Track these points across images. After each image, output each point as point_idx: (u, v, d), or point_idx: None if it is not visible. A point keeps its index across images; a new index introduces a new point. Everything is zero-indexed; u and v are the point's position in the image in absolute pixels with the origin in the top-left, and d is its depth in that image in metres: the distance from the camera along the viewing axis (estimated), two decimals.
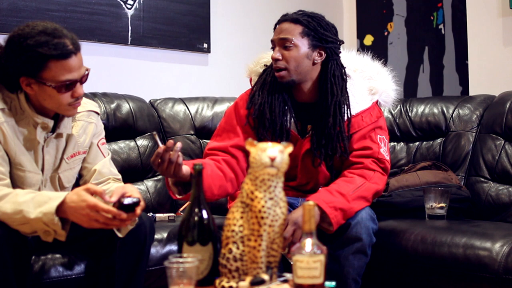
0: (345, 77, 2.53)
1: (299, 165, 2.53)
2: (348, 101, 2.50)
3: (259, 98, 2.51)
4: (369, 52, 2.76)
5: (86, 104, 2.29)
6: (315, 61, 2.48)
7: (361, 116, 2.53)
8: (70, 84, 2.03)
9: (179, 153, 2.14)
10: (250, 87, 2.65)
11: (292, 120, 2.52)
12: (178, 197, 2.34)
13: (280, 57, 2.43)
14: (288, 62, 2.44)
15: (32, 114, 2.09)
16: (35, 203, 1.91)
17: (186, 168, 2.22)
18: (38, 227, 1.93)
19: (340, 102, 2.47)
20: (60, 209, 1.90)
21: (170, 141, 2.11)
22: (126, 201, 1.92)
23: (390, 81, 2.68)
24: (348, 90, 2.52)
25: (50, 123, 2.12)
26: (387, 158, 2.55)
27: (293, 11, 2.51)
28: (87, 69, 2.10)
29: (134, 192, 2.00)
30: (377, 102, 2.61)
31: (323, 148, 2.47)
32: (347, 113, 2.49)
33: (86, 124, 2.28)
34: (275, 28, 2.51)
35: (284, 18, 2.48)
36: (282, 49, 2.44)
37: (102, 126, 2.38)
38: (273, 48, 2.48)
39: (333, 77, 2.49)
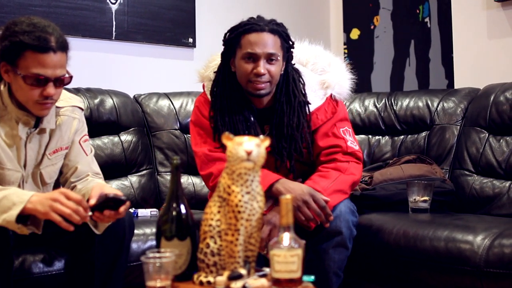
0: (301, 79, 2.48)
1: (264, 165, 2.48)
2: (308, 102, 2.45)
3: (221, 125, 2.41)
4: (356, 45, 2.74)
5: (70, 99, 2.28)
6: (281, 71, 2.43)
7: (316, 114, 2.47)
8: (39, 80, 1.99)
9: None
10: (203, 91, 2.56)
11: (253, 130, 2.43)
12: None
13: (266, 72, 2.34)
14: (272, 76, 2.36)
15: (14, 110, 2.07)
16: (0, 209, 1.88)
17: None
18: (8, 227, 1.91)
19: (302, 102, 2.43)
20: (25, 211, 1.86)
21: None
22: (111, 195, 1.91)
23: (344, 71, 2.58)
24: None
25: (32, 119, 2.10)
26: (357, 148, 2.52)
27: (266, 17, 2.41)
28: (69, 74, 2.06)
29: (116, 191, 2.00)
30: (331, 95, 2.53)
31: (284, 150, 2.40)
32: (308, 111, 2.44)
33: (70, 119, 2.25)
34: (243, 34, 2.35)
35: (261, 28, 2.34)
36: (266, 63, 2.34)
37: (85, 122, 2.35)
38: (252, 60, 2.35)
39: (293, 82, 2.44)
